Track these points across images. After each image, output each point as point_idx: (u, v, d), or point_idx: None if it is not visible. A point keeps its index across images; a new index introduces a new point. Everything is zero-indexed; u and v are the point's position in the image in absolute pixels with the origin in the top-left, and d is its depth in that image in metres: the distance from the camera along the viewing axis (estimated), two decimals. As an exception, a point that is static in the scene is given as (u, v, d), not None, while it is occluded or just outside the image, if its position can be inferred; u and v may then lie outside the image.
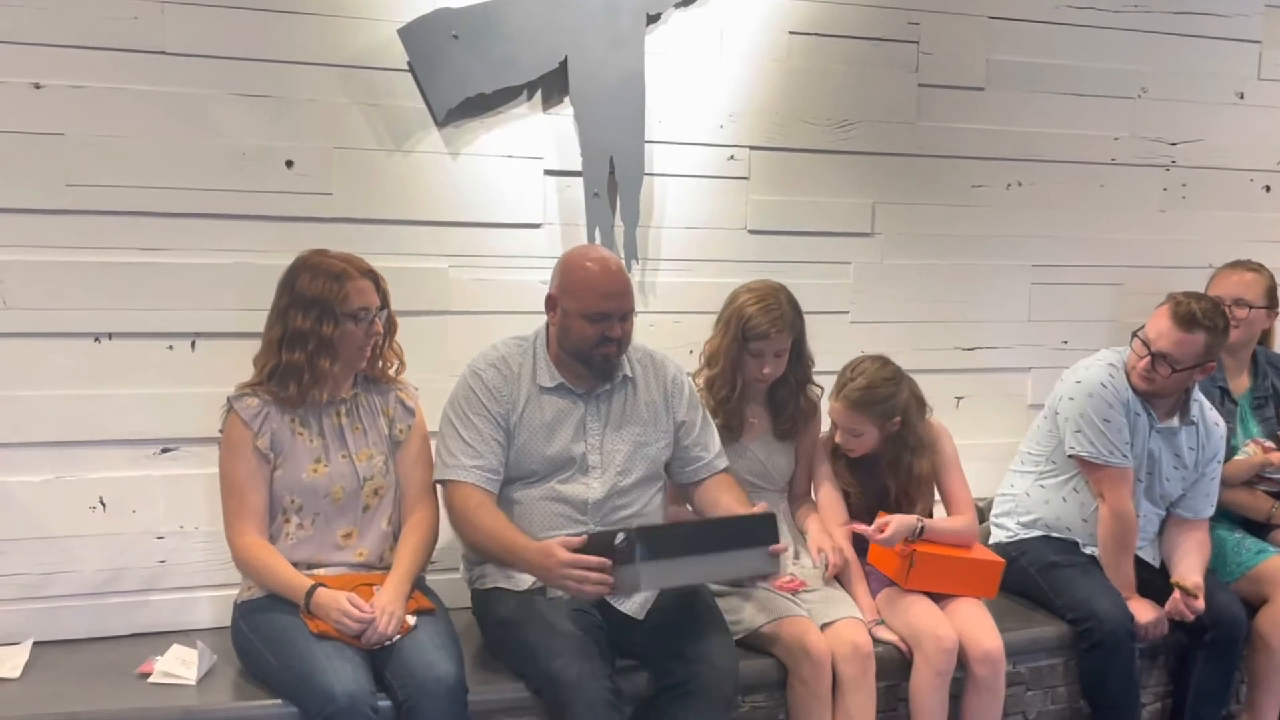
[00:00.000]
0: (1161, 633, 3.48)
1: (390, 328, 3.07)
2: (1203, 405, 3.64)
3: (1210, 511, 3.67)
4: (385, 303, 3.02)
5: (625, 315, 3.05)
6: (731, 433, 3.37)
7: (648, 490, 3.18)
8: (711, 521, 3.04)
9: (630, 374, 3.18)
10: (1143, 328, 3.53)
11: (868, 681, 3.09)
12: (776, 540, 2.92)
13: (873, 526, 3.28)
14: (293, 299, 2.91)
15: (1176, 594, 3.44)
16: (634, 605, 2.91)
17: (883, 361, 3.37)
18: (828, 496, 3.45)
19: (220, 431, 2.97)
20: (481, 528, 3.00)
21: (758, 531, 2.92)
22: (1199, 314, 3.43)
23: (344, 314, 2.91)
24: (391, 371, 3.12)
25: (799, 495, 3.54)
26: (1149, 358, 3.47)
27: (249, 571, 2.94)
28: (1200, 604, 3.43)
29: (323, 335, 2.90)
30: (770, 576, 3.03)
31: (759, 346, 3.29)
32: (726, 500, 3.16)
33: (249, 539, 2.91)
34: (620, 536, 2.75)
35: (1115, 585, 3.49)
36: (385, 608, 2.81)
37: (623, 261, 3.14)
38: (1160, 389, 3.51)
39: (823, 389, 3.49)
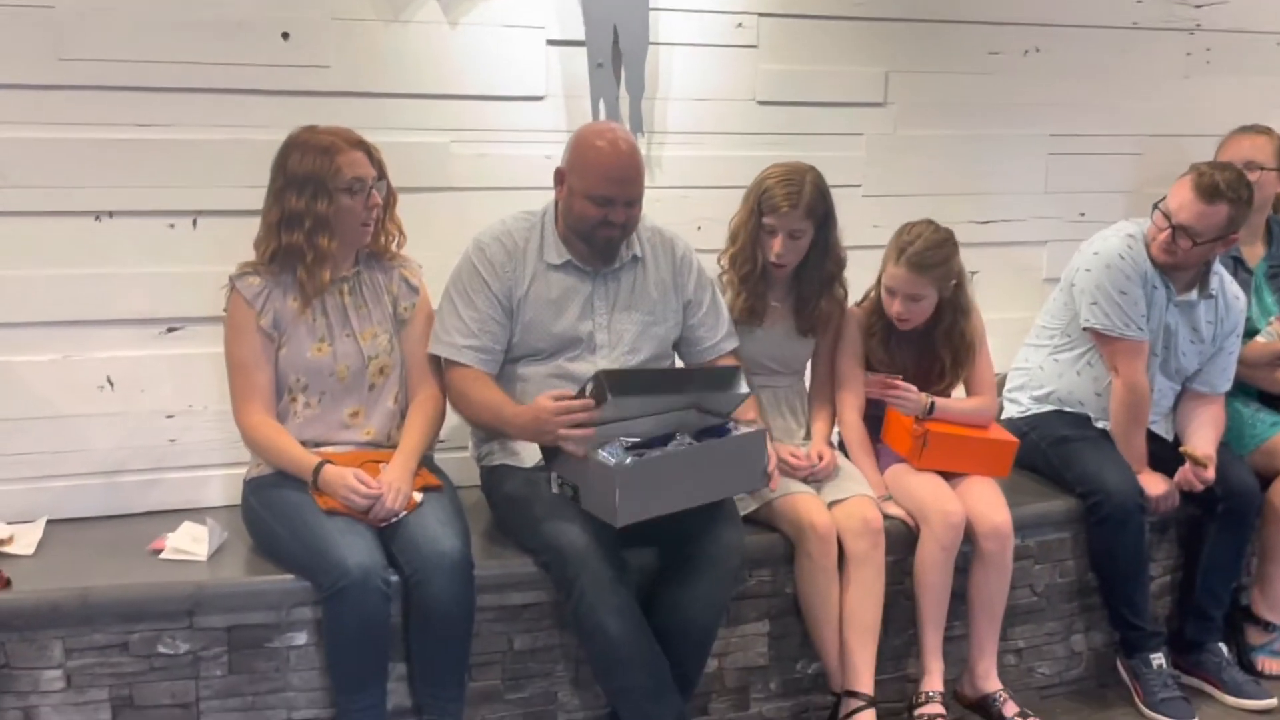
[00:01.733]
0: (1172, 505, 3.48)
1: (389, 200, 3.02)
2: (1223, 278, 3.59)
3: (1227, 386, 3.64)
4: (382, 173, 2.96)
5: (631, 201, 2.99)
6: (755, 316, 3.31)
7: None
8: (679, 370, 3.02)
9: (640, 253, 3.14)
10: (1164, 199, 3.46)
11: (876, 556, 3.10)
12: (743, 389, 2.92)
13: (890, 381, 3.26)
14: (286, 180, 2.87)
15: (1186, 464, 3.43)
16: (610, 509, 2.76)
17: (935, 224, 3.28)
18: (849, 380, 3.38)
19: (224, 311, 2.96)
20: (475, 400, 2.99)
21: (725, 380, 2.92)
22: (1222, 185, 3.35)
23: (337, 188, 2.86)
24: (393, 246, 3.08)
25: (820, 378, 3.48)
26: (1170, 230, 3.40)
27: (257, 450, 2.95)
28: (1210, 474, 3.42)
29: (318, 213, 2.85)
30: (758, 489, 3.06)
31: (771, 222, 3.19)
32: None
33: (257, 418, 2.92)
34: (589, 384, 2.75)
35: (1127, 459, 3.48)
36: (392, 484, 2.83)
37: (637, 145, 3.05)
38: (1181, 262, 3.45)
39: (847, 291, 3.40)
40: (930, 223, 3.28)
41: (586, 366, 3.04)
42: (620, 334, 3.09)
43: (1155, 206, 3.47)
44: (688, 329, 3.20)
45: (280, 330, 2.93)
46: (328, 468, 2.83)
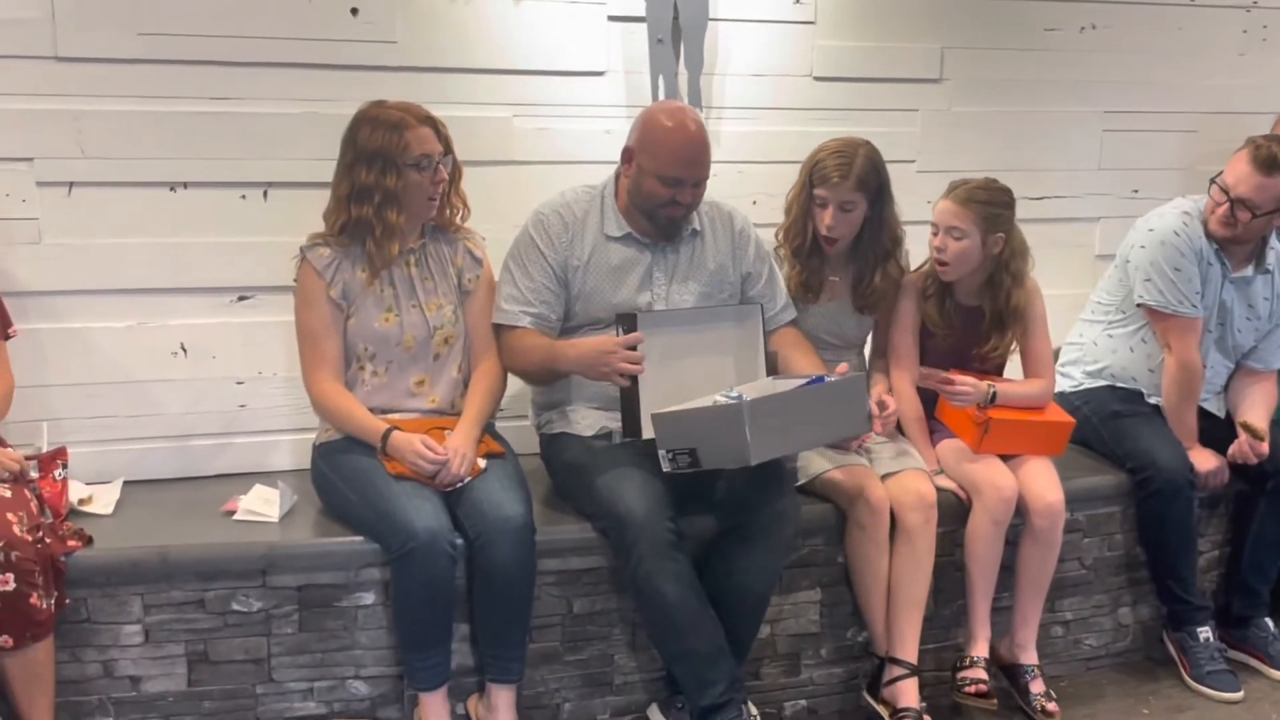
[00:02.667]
0: (1222, 482, 3.51)
1: (455, 174, 3.07)
2: (1275, 249, 3.59)
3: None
4: (448, 148, 3.01)
5: (698, 182, 3.05)
6: (810, 290, 3.35)
7: None
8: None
9: (699, 228, 3.19)
10: (1220, 174, 3.47)
11: (929, 530, 3.13)
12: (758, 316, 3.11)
13: (946, 377, 3.25)
14: (356, 154, 2.92)
15: (1243, 435, 3.45)
16: (742, 447, 2.78)
17: (996, 180, 3.29)
18: (902, 352, 3.40)
19: (295, 280, 3.03)
20: (528, 346, 3.06)
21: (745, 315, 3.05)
22: None
23: (406, 164, 2.91)
24: (458, 219, 3.14)
25: (878, 348, 3.51)
26: (1228, 204, 3.42)
27: (326, 416, 3.04)
28: (1265, 448, 3.44)
29: (387, 188, 2.91)
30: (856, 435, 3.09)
31: (822, 194, 3.22)
32: (800, 361, 3.19)
33: (326, 385, 3.00)
34: (619, 327, 2.89)
35: (1178, 435, 3.50)
36: (457, 450, 2.90)
37: (703, 121, 3.08)
38: (1240, 236, 3.46)
39: (904, 268, 3.42)
40: (992, 177, 3.31)
41: None
42: (679, 305, 3.14)
43: (1213, 181, 3.48)
44: (747, 300, 3.25)
45: (349, 300, 3.00)
46: (396, 433, 2.91)
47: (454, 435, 2.96)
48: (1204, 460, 3.48)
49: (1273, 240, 3.56)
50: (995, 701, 3.18)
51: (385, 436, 2.91)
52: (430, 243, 3.11)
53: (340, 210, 2.98)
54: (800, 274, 3.33)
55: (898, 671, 3.13)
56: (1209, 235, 3.50)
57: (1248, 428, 3.46)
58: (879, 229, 3.31)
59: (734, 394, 2.89)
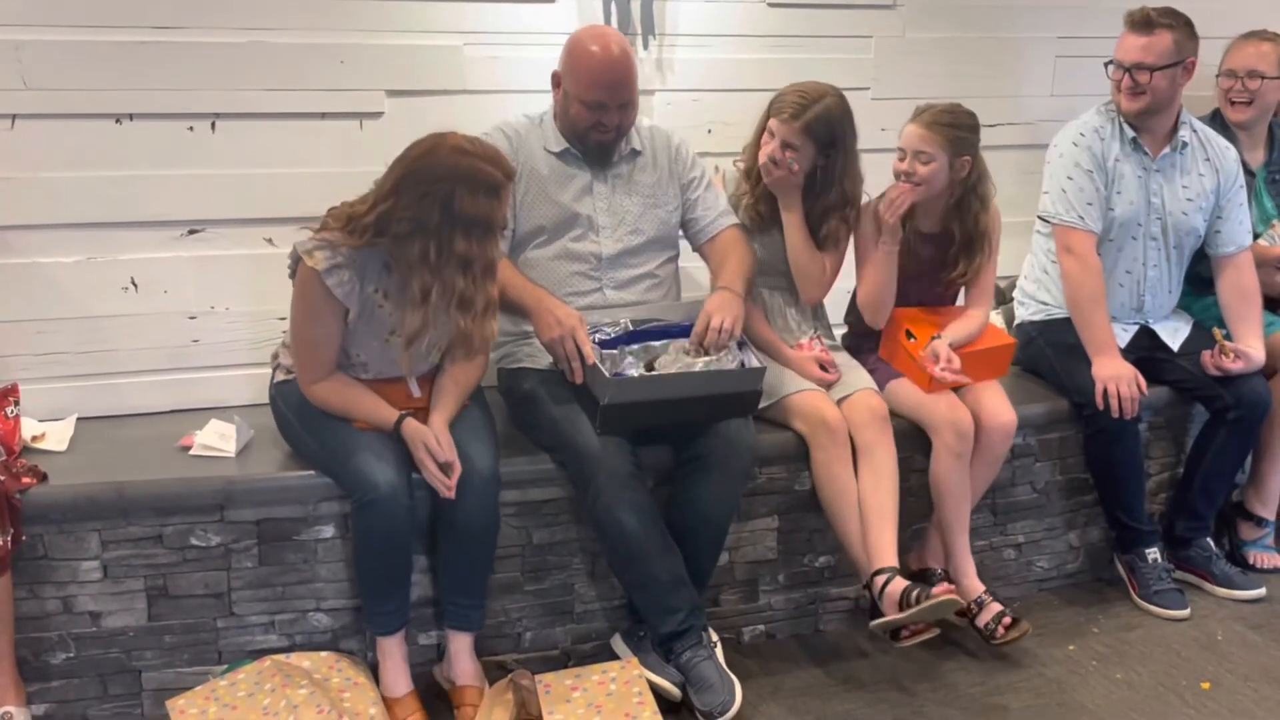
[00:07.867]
0: (1133, 395, 3.37)
1: None
2: (1197, 132, 3.61)
3: (1249, 238, 3.65)
4: None
5: (624, 105, 3.07)
6: (763, 220, 3.34)
7: (660, 255, 3.28)
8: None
9: (639, 147, 3.25)
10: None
11: (885, 440, 3.16)
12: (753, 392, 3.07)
13: (929, 355, 3.25)
14: (445, 216, 2.63)
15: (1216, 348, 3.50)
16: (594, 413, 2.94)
17: (961, 105, 3.29)
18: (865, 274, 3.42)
19: (291, 275, 2.78)
20: (509, 280, 3.03)
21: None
22: (1153, 14, 3.44)
23: (500, 230, 2.79)
24: None
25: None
26: (1125, 73, 3.46)
27: (331, 411, 2.84)
28: (1231, 364, 3.47)
29: (490, 260, 2.72)
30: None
31: (772, 126, 3.22)
32: (732, 259, 3.22)
33: (322, 384, 2.83)
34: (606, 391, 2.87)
35: (1087, 349, 3.47)
36: (457, 465, 2.79)
37: (630, 48, 3.10)
38: (1151, 104, 3.47)
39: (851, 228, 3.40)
40: (956, 102, 3.31)
41: (590, 245, 3.17)
42: (622, 215, 3.20)
43: (1106, 64, 3.53)
44: (688, 206, 3.30)
45: (361, 319, 2.80)
46: (409, 423, 2.81)
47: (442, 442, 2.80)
48: (1107, 366, 3.40)
49: (1184, 115, 3.58)
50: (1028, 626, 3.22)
51: (398, 425, 2.81)
52: None
53: (425, 278, 2.68)
54: (750, 200, 3.33)
55: (881, 580, 3.08)
56: (1125, 125, 3.52)
57: (1220, 342, 3.49)
58: (828, 182, 3.27)
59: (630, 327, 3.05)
